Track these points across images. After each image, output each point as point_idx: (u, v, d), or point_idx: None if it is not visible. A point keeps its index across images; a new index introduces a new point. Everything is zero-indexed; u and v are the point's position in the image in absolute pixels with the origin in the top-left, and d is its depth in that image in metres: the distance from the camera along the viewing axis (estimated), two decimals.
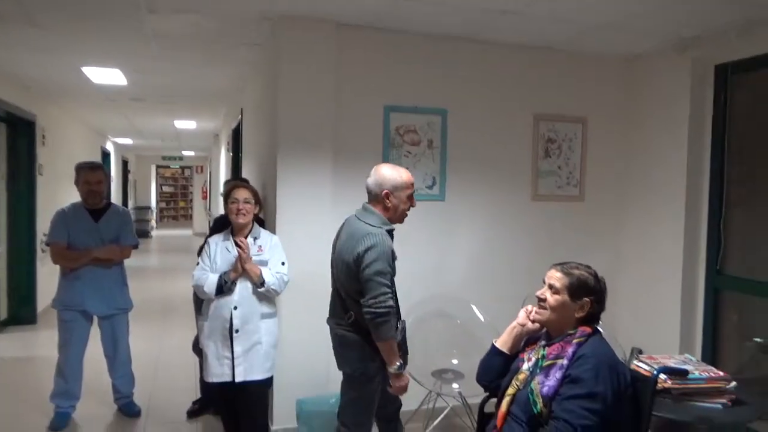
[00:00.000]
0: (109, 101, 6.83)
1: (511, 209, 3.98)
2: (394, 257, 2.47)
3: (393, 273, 2.44)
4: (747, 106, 3.57)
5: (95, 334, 3.79)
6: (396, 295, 2.52)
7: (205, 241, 3.19)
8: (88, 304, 3.67)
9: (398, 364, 2.43)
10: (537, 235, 4.03)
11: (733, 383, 2.37)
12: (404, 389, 2.48)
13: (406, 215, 2.58)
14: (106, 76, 5.25)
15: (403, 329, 2.58)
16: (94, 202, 3.71)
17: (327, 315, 3.52)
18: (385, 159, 3.67)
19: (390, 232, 2.50)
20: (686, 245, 3.73)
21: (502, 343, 2.23)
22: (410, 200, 2.53)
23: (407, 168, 3.64)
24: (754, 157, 3.54)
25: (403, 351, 2.55)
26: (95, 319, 3.77)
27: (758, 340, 3.47)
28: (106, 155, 12.24)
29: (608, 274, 3.95)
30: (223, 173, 9.67)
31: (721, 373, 2.40)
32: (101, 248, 3.66)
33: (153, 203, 19.52)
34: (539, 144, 4.04)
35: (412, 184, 2.56)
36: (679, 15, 3.21)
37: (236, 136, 6.54)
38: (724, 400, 2.33)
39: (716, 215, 3.66)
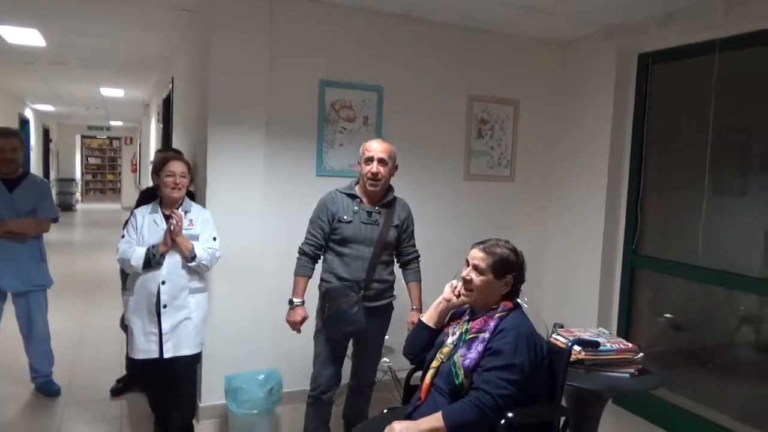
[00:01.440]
0: (26, 64, 6.38)
1: (444, 189, 4.05)
2: (331, 213, 2.78)
3: (326, 226, 2.79)
4: (666, 95, 3.76)
5: (11, 310, 3.60)
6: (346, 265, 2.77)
7: (131, 214, 3.08)
8: (2, 280, 3.48)
9: (293, 300, 2.81)
10: (469, 215, 4.12)
11: (641, 354, 2.53)
12: (290, 324, 2.81)
13: (369, 181, 2.77)
14: (22, 36, 4.90)
15: (326, 294, 2.78)
16: (8, 171, 3.51)
17: (258, 291, 3.51)
18: (320, 135, 3.64)
19: (349, 195, 2.80)
20: (606, 226, 3.92)
21: (428, 318, 2.28)
22: (367, 165, 2.77)
23: (341, 144, 3.72)
24: (670, 144, 3.75)
25: (323, 314, 2.79)
26: (9, 295, 3.57)
27: (668, 316, 3.72)
28: (24, 122, 11.48)
29: (535, 252, 4.18)
30: (153, 145, 9.31)
31: (630, 345, 2.55)
32: (15, 221, 3.47)
33: (78, 175, 18.56)
34: (473, 124, 4.10)
35: (367, 150, 2.79)
36: (606, 2, 3.33)
37: (167, 105, 6.29)
38: (631, 370, 2.48)
39: (634, 198, 3.87)
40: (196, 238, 3.00)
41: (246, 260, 3.41)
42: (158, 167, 3.04)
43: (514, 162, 4.26)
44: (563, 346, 2.39)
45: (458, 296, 2.21)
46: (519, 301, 2.17)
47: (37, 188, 3.61)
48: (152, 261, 2.88)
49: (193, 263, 2.94)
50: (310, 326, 2.91)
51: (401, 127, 3.86)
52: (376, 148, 2.78)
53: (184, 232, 2.92)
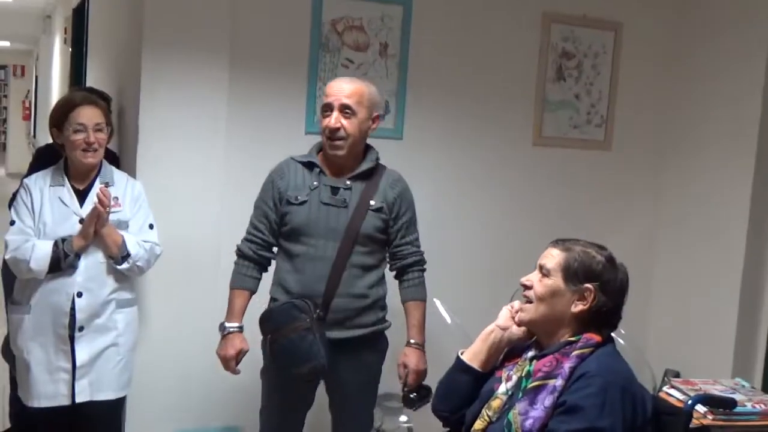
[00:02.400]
0: None
1: (500, 158, 4.04)
2: (278, 192, 2.86)
3: (273, 213, 2.87)
4: None
5: None
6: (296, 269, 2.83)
7: (21, 186, 3.10)
8: None
9: (224, 324, 2.88)
10: (538, 198, 4.12)
11: None
12: (222, 360, 2.89)
13: (328, 141, 2.82)
14: None
15: (265, 320, 2.83)
16: None
17: (213, 303, 3.56)
18: (313, 68, 3.65)
19: (306, 164, 2.86)
20: (752, 226, 3.89)
21: (473, 354, 2.30)
22: (324, 118, 2.82)
23: None
24: None
25: (264, 348, 2.85)
26: None
27: None
28: None
29: (639, 261, 4.15)
30: (57, 79, 9.40)
31: None
32: None
33: None
34: (549, 60, 4.08)
35: (326, 94, 2.84)
36: None
37: (79, 20, 6.35)
38: None
39: None
40: (125, 225, 3.02)
41: (196, 258, 3.45)
42: (59, 117, 3.01)
43: (611, 120, 4.24)
44: (679, 404, 2.38)
45: (518, 324, 2.23)
46: (612, 334, 2.18)
47: None
48: (63, 262, 2.90)
49: (125, 265, 2.97)
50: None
51: (437, 61, 3.85)
52: (339, 89, 2.80)
53: (109, 216, 2.93)
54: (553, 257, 2.16)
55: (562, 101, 4.15)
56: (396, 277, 2.99)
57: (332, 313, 2.78)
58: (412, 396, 2.89)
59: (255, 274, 2.92)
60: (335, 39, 3.69)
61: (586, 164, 4.22)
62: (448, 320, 3.59)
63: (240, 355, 2.88)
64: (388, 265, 3.00)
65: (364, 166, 2.86)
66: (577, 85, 4.17)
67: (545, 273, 2.15)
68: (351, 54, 3.72)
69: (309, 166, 2.86)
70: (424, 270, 2.99)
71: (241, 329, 2.88)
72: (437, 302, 3.64)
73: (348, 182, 2.83)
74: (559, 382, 2.02)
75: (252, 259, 2.90)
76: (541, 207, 4.12)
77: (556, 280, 2.13)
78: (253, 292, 2.92)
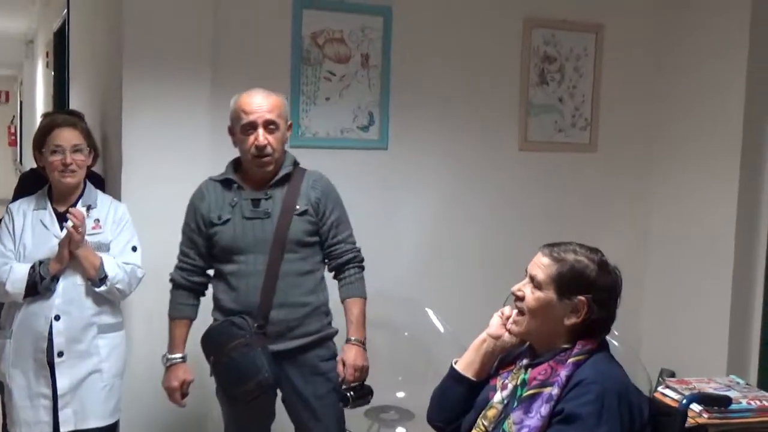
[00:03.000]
0: None
1: (487, 164, 4.05)
2: (201, 216, 2.84)
3: (199, 237, 2.86)
4: None
5: None
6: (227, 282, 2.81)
7: (6, 211, 3.09)
8: None
9: (167, 356, 2.90)
10: (526, 203, 4.12)
11: None
12: (167, 392, 2.89)
13: (257, 160, 2.76)
14: None
15: (204, 343, 2.85)
16: None
17: (202, 326, 3.52)
18: (295, 81, 3.65)
19: (223, 182, 2.85)
20: (740, 222, 3.90)
21: (466, 364, 2.27)
22: (248, 137, 2.76)
23: (328, 99, 3.73)
24: None
25: (223, 381, 2.86)
26: None
27: None
28: None
29: (630, 263, 4.07)
30: (41, 103, 9.38)
31: None
32: None
33: None
34: (532, 64, 4.09)
35: (245, 112, 2.76)
36: None
37: (60, 43, 6.33)
38: None
39: None
40: (106, 247, 3.00)
41: None
42: (39, 140, 3.02)
43: (595, 122, 4.25)
44: (675, 404, 2.37)
45: (510, 332, 2.21)
46: (608, 338, 2.16)
47: None
48: (39, 285, 2.88)
49: (103, 288, 2.94)
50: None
51: (419, 70, 3.86)
52: (258, 105, 2.75)
53: (88, 238, 2.93)
54: (544, 267, 2.12)
55: (546, 105, 4.16)
56: (334, 277, 2.94)
57: (272, 326, 2.74)
58: (348, 394, 2.79)
59: (190, 301, 2.90)
60: (316, 52, 3.68)
61: (573, 167, 4.23)
62: (441, 329, 3.57)
63: (184, 385, 2.87)
64: (327, 269, 2.96)
65: (282, 172, 2.81)
66: (560, 89, 4.18)
67: (537, 285, 2.12)
68: (333, 66, 3.72)
69: (227, 183, 2.84)
70: (361, 267, 2.92)
71: (183, 359, 2.88)
72: (429, 311, 3.63)
73: (268, 192, 2.79)
74: (555, 390, 2.00)
75: (185, 287, 2.89)
76: (530, 211, 4.12)
77: (548, 294, 2.10)
78: (191, 319, 2.91)
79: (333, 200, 2.88)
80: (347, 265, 2.88)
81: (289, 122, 2.87)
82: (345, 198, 3.70)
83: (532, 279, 2.14)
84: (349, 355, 2.81)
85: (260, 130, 2.74)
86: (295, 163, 2.88)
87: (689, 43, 4.16)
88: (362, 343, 2.85)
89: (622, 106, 4.30)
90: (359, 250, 2.93)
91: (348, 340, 2.85)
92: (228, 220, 2.79)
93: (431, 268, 3.95)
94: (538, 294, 2.11)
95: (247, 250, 2.77)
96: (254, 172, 2.81)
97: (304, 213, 2.79)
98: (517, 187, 4.11)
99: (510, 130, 4.09)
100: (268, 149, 2.75)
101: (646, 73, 4.31)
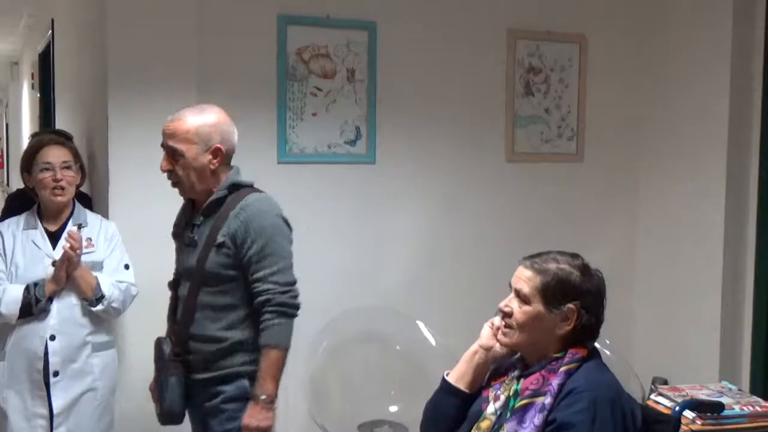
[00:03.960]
0: None
1: (474, 176, 4.05)
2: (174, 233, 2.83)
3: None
4: None
5: None
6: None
7: None
8: None
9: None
10: (514, 215, 4.13)
11: None
12: None
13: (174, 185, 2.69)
14: None
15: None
16: None
17: None
18: (282, 98, 3.65)
19: (187, 200, 2.77)
20: (728, 227, 3.91)
21: (459, 376, 2.27)
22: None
23: (315, 114, 3.71)
24: None
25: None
26: None
27: None
28: None
29: (619, 271, 4.16)
30: (27, 124, 9.35)
31: None
32: None
33: None
34: (517, 75, 4.10)
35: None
36: None
37: (45, 64, 6.32)
38: None
39: None
40: (100, 266, 3.00)
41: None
42: (27, 159, 3.03)
43: (581, 132, 4.27)
44: (668, 411, 2.37)
45: (502, 344, 2.21)
46: (597, 345, 2.16)
47: None
48: (34, 307, 2.88)
49: (99, 307, 2.94)
50: None
51: (405, 83, 3.87)
52: (164, 128, 2.63)
53: (82, 257, 2.91)
54: (528, 280, 2.12)
55: (532, 116, 4.17)
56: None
57: (193, 355, 2.62)
58: None
59: None
60: (302, 67, 3.69)
61: (560, 177, 4.24)
62: (433, 342, 3.57)
63: None
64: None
65: (212, 198, 2.61)
66: (546, 100, 4.20)
67: (523, 299, 2.12)
68: (319, 82, 3.72)
69: (188, 202, 2.76)
70: (278, 312, 2.53)
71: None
72: (420, 324, 3.64)
73: (201, 218, 2.64)
74: (548, 400, 2.00)
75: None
76: (518, 222, 4.13)
77: (536, 306, 2.10)
78: None
79: (256, 232, 2.53)
80: (262, 308, 2.53)
81: (212, 146, 2.57)
82: (334, 212, 3.75)
83: (518, 293, 2.14)
84: (245, 413, 2.53)
85: (164, 155, 2.62)
86: (233, 187, 2.62)
87: (672, 50, 4.18)
88: (265, 401, 2.51)
89: (607, 115, 4.31)
90: (282, 291, 2.53)
91: (252, 398, 2.54)
92: (178, 243, 2.76)
93: (421, 280, 3.94)
94: (526, 308, 2.11)
95: (183, 276, 2.70)
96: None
97: (221, 245, 2.55)
98: (505, 199, 4.12)
99: (497, 142, 4.10)
100: (174, 176, 2.61)
101: (630, 81, 4.33)
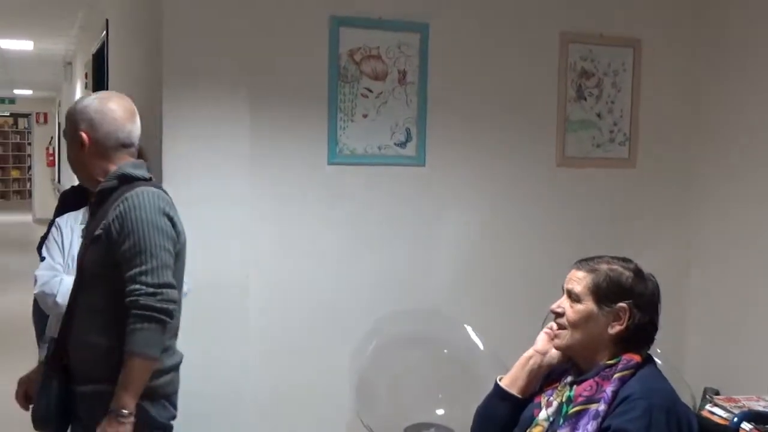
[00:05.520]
0: None
1: (524, 180, 4.04)
2: None
3: None
4: None
5: None
6: None
7: (52, 224, 3.14)
8: None
9: None
10: (565, 219, 4.10)
11: None
12: None
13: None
14: None
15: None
16: None
17: (242, 343, 3.53)
18: (333, 100, 3.67)
19: None
20: None
21: (511, 380, 2.26)
22: None
23: (366, 116, 3.72)
24: None
25: None
26: None
27: None
28: None
29: (672, 278, 4.10)
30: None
31: None
32: None
33: None
34: (569, 79, 4.08)
35: None
36: None
37: (99, 64, 6.43)
38: None
39: None
40: None
41: (224, 296, 3.45)
42: None
43: (635, 137, 4.22)
44: (724, 422, 2.34)
45: (557, 348, 2.20)
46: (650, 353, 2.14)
47: None
48: None
49: None
50: None
51: (456, 86, 3.87)
52: None
53: None
54: (580, 280, 2.14)
55: (583, 121, 4.14)
56: None
57: (72, 362, 2.41)
58: None
59: None
60: (353, 69, 3.70)
61: (612, 183, 4.20)
62: (480, 346, 3.56)
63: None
64: None
65: (98, 188, 2.43)
66: (598, 104, 4.16)
67: (575, 298, 2.13)
68: (370, 83, 3.74)
69: None
70: (142, 316, 2.24)
71: None
72: (468, 328, 3.63)
73: (93, 211, 2.49)
74: (602, 407, 1.99)
75: None
76: (569, 228, 4.10)
77: (588, 305, 2.11)
78: None
79: (132, 223, 2.29)
80: (128, 310, 2.25)
81: (85, 131, 2.40)
82: (382, 214, 3.76)
83: (570, 293, 2.15)
84: (99, 427, 2.26)
85: None
86: (125, 179, 2.40)
87: (732, 53, 4.12)
88: (120, 414, 2.23)
89: (662, 121, 4.26)
90: (150, 294, 2.25)
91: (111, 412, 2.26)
92: None
93: (469, 284, 3.94)
94: (578, 306, 2.12)
95: None
96: None
97: (97, 239, 2.35)
98: (554, 203, 4.09)
99: (547, 146, 4.07)
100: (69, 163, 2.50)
101: (687, 86, 4.28)
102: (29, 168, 19.32)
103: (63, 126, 2.53)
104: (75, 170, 2.53)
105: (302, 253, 3.65)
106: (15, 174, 21.29)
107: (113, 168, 2.42)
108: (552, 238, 4.07)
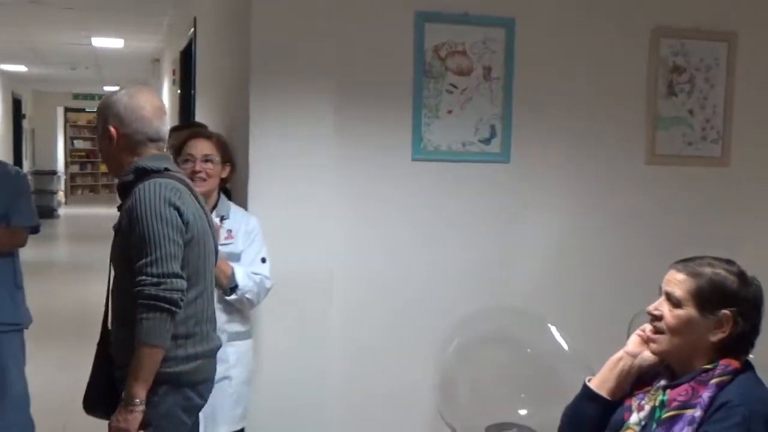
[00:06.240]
0: None
1: (611, 177, 3.97)
2: None
3: None
4: None
5: None
6: None
7: None
8: None
9: None
10: (655, 218, 4.01)
11: None
12: None
13: None
14: None
15: None
16: None
17: (325, 337, 3.56)
18: (418, 95, 3.67)
19: None
20: None
21: (601, 382, 2.21)
22: None
23: (450, 111, 3.72)
24: None
25: None
26: None
27: None
28: None
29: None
30: (167, 119, 9.75)
31: None
32: None
33: (60, 166, 19.79)
34: (660, 74, 4.00)
35: None
36: None
37: (187, 61, 6.58)
38: None
39: None
40: (237, 257, 3.09)
41: (308, 291, 3.49)
42: (176, 151, 3.18)
43: (728, 134, 4.11)
44: None
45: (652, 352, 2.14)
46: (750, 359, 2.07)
47: (11, 183, 3.87)
48: None
49: (233, 296, 3.03)
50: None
51: (542, 81, 3.83)
52: None
53: (220, 248, 2.98)
54: (681, 283, 2.06)
55: (674, 117, 4.05)
56: None
57: (111, 347, 2.49)
58: None
59: None
60: (438, 65, 3.70)
61: (703, 182, 4.10)
62: (565, 347, 3.50)
63: None
64: None
65: (118, 182, 2.50)
66: (689, 100, 4.06)
67: (675, 302, 2.06)
68: (455, 79, 3.72)
69: None
70: (147, 305, 2.26)
71: None
72: (552, 328, 3.57)
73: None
74: (697, 413, 1.94)
75: None
76: (658, 227, 4.01)
77: (689, 311, 2.03)
78: None
79: (136, 217, 2.33)
80: (136, 300, 2.30)
81: (111, 126, 2.45)
82: (465, 210, 3.74)
83: (669, 297, 2.08)
84: (113, 419, 2.33)
85: None
86: (142, 172, 2.43)
87: None
88: (128, 402, 2.28)
89: (757, 117, 4.14)
90: (154, 283, 2.27)
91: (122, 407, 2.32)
92: None
93: (552, 284, 3.89)
94: (678, 312, 2.04)
95: None
96: None
97: (117, 232, 2.46)
98: (643, 202, 4.01)
99: (636, 144, 4.00)
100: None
101: None
102: None
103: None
104: (105, 162, 2.58)
105: (385, 249, 3.67)
106: (104, 168, 21.91)
107: (130, 162, 2.47)
108: (639, 238, 3.99)
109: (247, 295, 3.04)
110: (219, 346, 2.58)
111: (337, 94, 3.53)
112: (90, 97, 17.99)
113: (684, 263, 2.11)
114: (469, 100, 3.74)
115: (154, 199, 2.33)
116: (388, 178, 3.66)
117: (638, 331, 2.20)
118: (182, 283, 2.32)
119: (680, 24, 4.00)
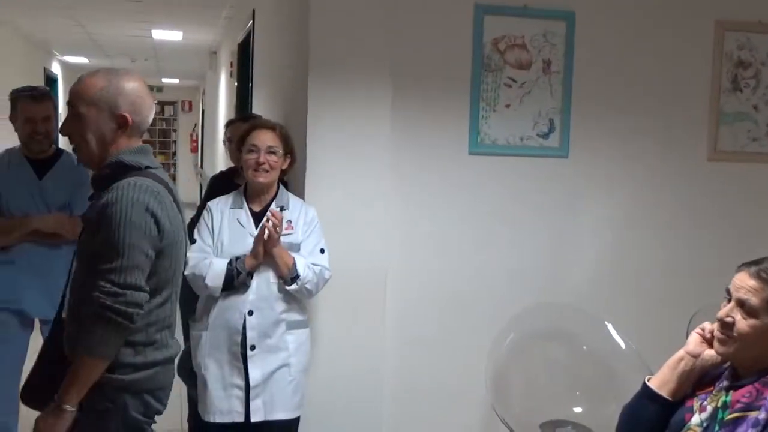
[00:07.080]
0: None
1: (672, 174, 3.91)
2: None
3: None
4: None
5: (36, 344, 3.95)
6: None
7: (203, 208, 3.28)
8: (27, 301, 3.83)
9: None
10: (715, 216, 3.94)
11: None
12: None
13: None
14: None
15: None
16: (40, 149, 3.86)
17: (380, 329, 3.58)
18: (476, 88, 3.66)
19: None
20: None
21: (661, 382, 2.18)
22: None
23: (508, 106, 3.71)
24: None
25: None
26: (36, 322, 3.92)
27: None
28: (51, 81, 12.63)
29: None
30: (223, 112, 9.87)
31: None
32: (45, 216, 3.79)
33: None
34: (724, 69, 3.93)
35: None
36: None
37: (244, 54, 6.64)
38: None
39: None
40: (296, 248, 3.12)
41: (364, 283, 3.51)
42: (240, 141, 3.22)
43: None
44: None
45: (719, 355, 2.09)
46: None
47: (74, 174, 3.92)
48: (236, 280, 3.03)
49: (294, 286, 3.06)
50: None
51: (602, 75, 3.79)
52: None
53: (281, 238, 3.05)
54: (757, 291, 1.99)
55: (738, 113, 3.97)
56: None
57: (65, 339, 2.32)
58: None
59: None
60: (497, 58, 3.68)
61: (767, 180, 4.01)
62: (622, 345, 3.46)
63: None
64: None
65: (94, 175, 2.36)
66: (755, 96, 3.98)
67: (749, 311, 1.99)
68: (513, 73, 3.70)
69: None
70: (98, 315, 2.13)
71: None
72: (609, 325, 3.54)
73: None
74: (762, 415, 1.90)
75: None
76: (719, 225, 3.94)
77: (765, 320, 1.97)
78: None
79: (109, 218, 2.18)
80: (88, 304, 2.17)
81: (117, 113, 2.28)
82: (522, 205, 3.72)
83: (742, 304, 2.01)
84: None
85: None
86: (122, 166, 2.28)
87: None
88: (58, 406, 2.16)
89: None
90: (111, 293, 2.13)
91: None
92: None
93: (611, 280, 3.84)
94: (753, 321, 1.98)
95: None
96: None
97: (83, 230, 2.36)
98: (705, 199, 3.94)
99: (698, 139, 3.93)
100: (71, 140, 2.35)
101: None
102: (173, 154, 20.23)
103: (109, 105, 2.30)
104: (84, 150, 2.33)
105: (441, 243, 3.67)
106: (161, 159, 22.27)
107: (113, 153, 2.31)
108: (699, 236, 3.93)
109: (306, 286, 3.07)
110: (177, 353, 2.47)
111: (393, 88, 3.54)
112: (149, 89, 18.23)
113: (756, 267, 2.03)
114: (528, 94, 3.72)
115: (130, 204, 2.18)
116: (445, 172, 3.66)
117: (698, 330, 2.16)
118: (143, 297, 2.19)
119: (744, 17, 3.92)
